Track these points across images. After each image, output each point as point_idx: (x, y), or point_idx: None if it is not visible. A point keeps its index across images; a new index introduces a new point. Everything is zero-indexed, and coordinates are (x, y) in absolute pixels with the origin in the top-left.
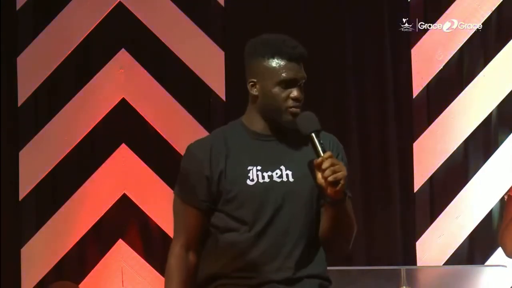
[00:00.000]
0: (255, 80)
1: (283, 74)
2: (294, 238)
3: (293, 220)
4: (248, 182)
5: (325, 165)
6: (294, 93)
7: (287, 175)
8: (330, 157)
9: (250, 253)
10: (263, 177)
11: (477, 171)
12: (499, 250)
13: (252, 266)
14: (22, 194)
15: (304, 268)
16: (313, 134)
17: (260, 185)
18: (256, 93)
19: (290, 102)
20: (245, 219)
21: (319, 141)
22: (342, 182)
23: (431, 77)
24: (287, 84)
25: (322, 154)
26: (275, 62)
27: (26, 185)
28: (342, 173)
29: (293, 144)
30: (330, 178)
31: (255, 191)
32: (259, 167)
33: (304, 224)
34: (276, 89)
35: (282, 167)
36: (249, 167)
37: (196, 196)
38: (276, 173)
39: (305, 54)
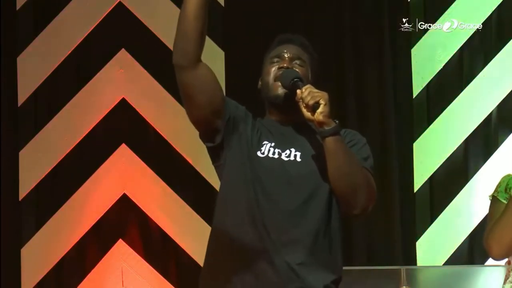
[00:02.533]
0: (261, 77)
1: (271, 54)
2: (292, 216)
3: (293, 198)
4: (259, 154)
5: (305, 93)
6: (282, 64)
7: (295, 155)
8: (309, 87)
9: (246, 222)
10: (273, 153)
11: (477, 171)
12: None
13: (249, 234)
14: (22, 194)
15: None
16: (295, 80)
17: (268, 159)
18: (260, 86)
19: (276, 72)
20: (246, 186)
21: (300, 84)
22: (322, 102)
23: (431, 77)
24: (278, 58)
25: None
26: (272, 51)
27: (26, 185)
28: (321, 95)
29: (306, 131)
30: (310, 102)
31: (262, 163)
32: (272, 144)
33: (306, 204)
34: (268, 67)
35: (292, 149)
36: (264, 142)
37: (231, 105)
38: (286, 153)
39: (295, 38)
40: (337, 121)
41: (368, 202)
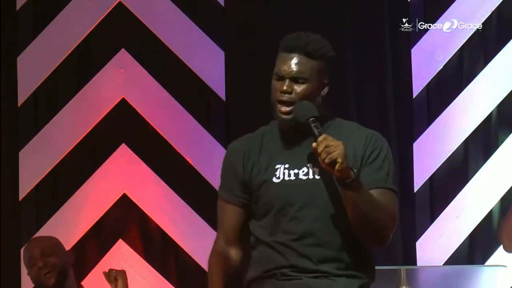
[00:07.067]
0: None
1: (276, 66)
2: (319, 236)
3: (317, 218)
4: (274, 179)
5: (320, 148)
6: (282, 86)
7: (313, 172)
8: (324, 139)
9: (275, 248)
10: (289, 175)
11: (477, 171)
12: (499, 250)
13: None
14: (22, 194)
15: (333, 264)
16: (310, 121)
17: (286, 182)
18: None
19: (278, 95)
20: (271, 214)
21: (316, 126)
22: (339, 160)
23: (431, 77)
24: (279, 76)
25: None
26: (278, 56)
27: (26, 185)
28: (337, 152)
29: None
30: (326, 160)
31: (280, 188)
32: (286, 165)
33: (330, 221)
34: (274, 82)
35: (309, 165)
36: (277, 166)
37: (232, 192)
38: (303, 171)
39: (300, 45)
40: (355, 170)
41: (390, 234)
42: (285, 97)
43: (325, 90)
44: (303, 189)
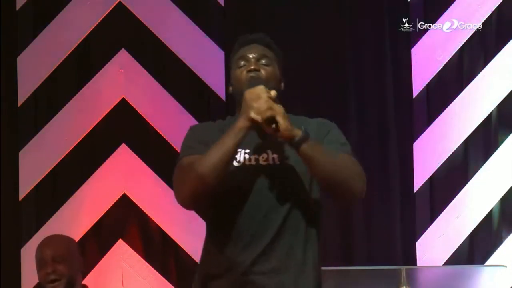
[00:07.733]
0: (231, 82)
1: (236, 56)
2: (277, 222)
3: (277, 202)
4: (235, 163)
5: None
6: (249, 66)
7: (273, 158)
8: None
9: (233, 234)
10: (249, 160)
11: (477, 171)
12: (499, 250)
13: (236, 247)
14: (22, 194)
15: (287, 253)
16: None
17: (246, 166)
18: (231, 91)
19: (245, 75)
20: (229, 197)
21: None
22: (278, 119)
23: (431, 77)
24: (245, 60)
25: None
26: (237, 52)
27: (26, 185)
28: (278, 110)
29: None
30: (267, 113)
31: (240, 171)
32: (247, 151)
33: (290, 206)
34: (236, 71)
35: (269, 151)
36: (238, 149)
37: (206, 145)
38: (263, 157)
39: (258, 38)
40: (303, 127)
41: (363, 185)
42: (253, 73)
43: (282, 86)
44: (262, 173)
